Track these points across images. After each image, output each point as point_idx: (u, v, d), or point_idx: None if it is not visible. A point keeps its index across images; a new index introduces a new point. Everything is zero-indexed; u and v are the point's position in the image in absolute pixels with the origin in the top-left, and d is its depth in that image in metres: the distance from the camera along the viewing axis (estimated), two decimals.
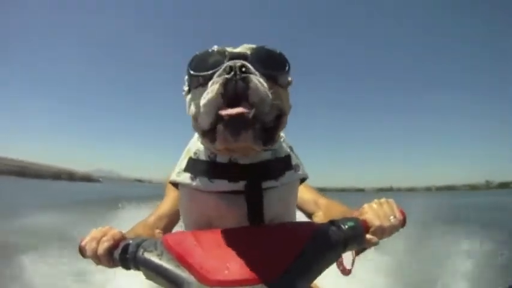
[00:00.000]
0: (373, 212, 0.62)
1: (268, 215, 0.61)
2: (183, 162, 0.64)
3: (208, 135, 0.50)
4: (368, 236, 0.60)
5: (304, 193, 0.89)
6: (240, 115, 0.45)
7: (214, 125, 0.48)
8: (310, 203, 0.89)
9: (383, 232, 0.60)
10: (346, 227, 0.59)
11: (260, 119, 0.48)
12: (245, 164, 0.57)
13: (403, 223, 0.62)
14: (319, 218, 0.85)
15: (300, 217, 0.81)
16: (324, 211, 0.85)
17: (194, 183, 0.60)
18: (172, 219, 0.87)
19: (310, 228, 0.59)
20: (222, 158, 0.58)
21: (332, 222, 0.61)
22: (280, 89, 0.54)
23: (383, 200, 0.64)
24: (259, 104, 0.47)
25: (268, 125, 0.50)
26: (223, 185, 0.58)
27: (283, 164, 0.62)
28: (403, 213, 0.63)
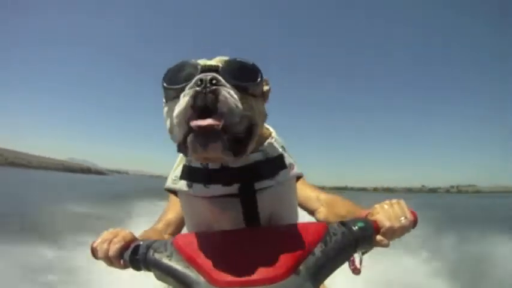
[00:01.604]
0: (384, 213, 0.61)
1: (264, 214, 0.62)
2: (177, 170, 0.66)
3: (182, 146, 0.52)
4: (378, 237, 0.59)
5: (305, 190, 0.89)
6: (209, 126, 0.47)
7: (186, 136, 0.50)
8: (312, 199, 0.88)
9: (393, 233, 0.60)
10: (357, 227, 0.59)
11: (230, 129, 0.49)
12: (236, 167, 0.58)
13: (414, 224, 0.61)
14: (322, 213, 0.83)
15: (303, 216, 0.80)
16: (326, 207, 0.84)
17: (191, 190, 0.62)
18: (178, 225, 0.89)
19: (320, 229, 0.59)
20: (213, 164, 0.59)
21: (342, 223, 0.60)
22: (253, 99, 0.55)
23: (394, 200, 0.64)
24: (229, 114, 0.49)
25: (239, 135, 0.51)
26: (218, 189, 0.59)
27: (276, 164, 0.62)
28: (414, 214, 0.62)
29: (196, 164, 0.61)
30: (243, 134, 0.52)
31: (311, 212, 0.89)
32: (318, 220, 0.84)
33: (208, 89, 0.49)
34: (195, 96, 0.49)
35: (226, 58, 0.56)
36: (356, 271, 0.58)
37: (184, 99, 0.50)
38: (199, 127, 0.47)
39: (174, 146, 0.55)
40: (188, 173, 0.62)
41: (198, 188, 0.61)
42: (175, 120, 0.50)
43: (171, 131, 0.55)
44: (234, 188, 0.59)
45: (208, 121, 0.47)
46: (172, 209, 0.90)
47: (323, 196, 0.88)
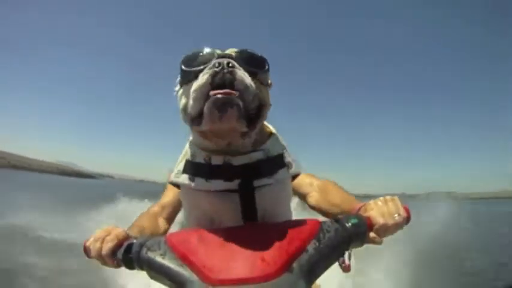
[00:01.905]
0: (378, 210, 0.62)
1: (261, 210, 0.65)
2: (180, 164, 0.69)
3: (196, 120, 0.55)
4: (371, 234, 0.60)
5: (301, 178, 0.90)
6: (227, 93, 0.51)
7: (201, 110, 0.53)
8: (305, 184, 0.91)
9: (387, 230, 0.60)
10: (350, 224, 0.59)
11: (245, 104, 0.53)
12: (238, 164, 0.61)
13: (407, 220, 0.62)
14: (314, 198, 0.86)
15: (297, 214, 0.80)
16: (319, 192, 0.86)
17: (193, 184, 0.65)
18: (174, 209, 0.94)
19: (313, 226, 0.59)
20: (216, 160, 0.62)
21: (336, 220, 0.61)
22: (261, 84, 0.60)
23: (388, 197, 0.64)
24: (244, 91, 0.53)
25: (251, 111, 0.55)
26: (219, 184, 0.62)
27: (276, 163, 0.65)
28: (407, 211, 0.62)
29: (200, 159, 0.64)
30: (254, 111, 0.56)
31: (303, 196, 0.91)
32: (309, 205, 0.87)
33: (226, 70, 0.53)
34: (213, 75, 0.53)
35: (237, 49, 0.61)
36: (346, 268, 0.58)
37: (203, 77, 0.54)
38: (218, 93, 0.51)
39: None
40: (191, 168, 0.66)
41: (200, 182, 0.63)
42: (192, 95, 0.54)
43: (184, 109, 0.58)
44: (234, 184, 0.62)
45: (226, 90, 0.51)
46: (168, 194, 0.96)
47: (316, 181, 0.90)
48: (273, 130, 0.72)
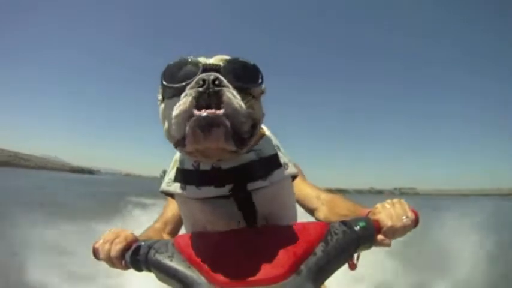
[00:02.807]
0: (386, 212, 0.61)
1: (261, 215, 0.61)
2: (171, 172, 0.65)
3: (180, 143, 0.50)
4: (380, 236, 0.59)
5: (304, 189, 0.88)
6: (211, 114, 0.46)
7: (184, 132, 0.48)
8: (312, 198, 0.87)
9: (395, 232, 0.59)
10: (358, 227, 0.58)
11: (234, 124, 0.48)
12: (227, 168, 0.57)
13: (415, 223, 0.61)
14: (323, 213, 0.82)
15: (302, 215, 0.78)
16: (327, 206, 0.82)
17: (184, 192, 0.61)
18: (178, 223, 0.89)
19: (321, 228, 0.58)
20: (205, 166, 0.58)
21: (344, 223, 0.60)
22: (253, 99, 0.54)
23: (396, 200, 0.63)
24: (234, 115, 0.48)
25: (243, 134, 0.50)
26: (209, 191, 0.58)
27: (269, 163, 0.61)
28: (415, 213, 0.61)
29: (189, 166, 0.60)
30: (248, 134, 0.52)
31: (311, 211, 0.88)
32: (318, 219, 0.83)
33: (211, 90, 0.47)
34: (197, 97, 0.47)
35: (227, 57, 0.55)
36: (352, 266, 0.58)
37: (186, 99, 0.48)
38: (203, 113, 0.46)
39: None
40: (181, 175, 0.62)
41: (191, 189, 0.60)
42: (174, 120, 0.49)
43: (168, 130, 0.53)
44: (226, 190, 0.57)
45: (211, 111, 0.46)
46: (170, 208, 0.91)
47: (323, 195, 0.86)
48: (266, 131, 0.67)
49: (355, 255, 0.59)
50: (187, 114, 0.47)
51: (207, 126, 0.46)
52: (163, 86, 0.54)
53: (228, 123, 0.47)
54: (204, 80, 0.48)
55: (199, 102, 0.47)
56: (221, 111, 0.46)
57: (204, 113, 0.46)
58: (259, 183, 0.59)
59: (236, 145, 0.49)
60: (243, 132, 0.50)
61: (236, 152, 0.52)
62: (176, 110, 0.48)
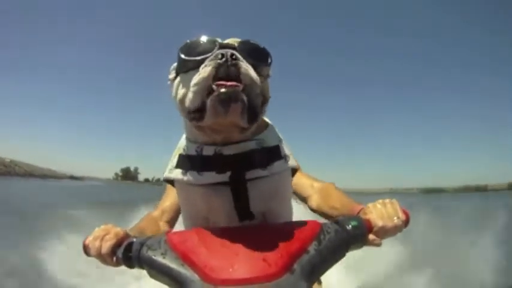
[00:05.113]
0: (377, 212, 0.62)
1: (257, 205, 0.62)
2: (174, 160, 0.66)
3: (195, 114, 0.52)
4: (371, 236, 0.60)
5: (299, 178, 0.89)
6: (232, 86, 0.49)
7: (202, 104, 0.50)
8: (305, 186, 0.88)
9: (386, 232, 0.60)
10: (350, 226, 0.59)
11: (251, 99, 0.51)
12: (230, 154, 0.58)
13: (406, 223, 0.62)
14: (315, 201, 0.83)
15: (297, 213, 0.80)
16: (320, 194, 0.84)
17: (185, 178, 0.62)
18: (175, 212, 0.89)
19: (314, 227, 0.59)
20: (207, 151, 0.59)
21: (336, 221, 0.61)
22: (263, 79, 0.57)
23: (387, 200, 0.65)
24: (251, 85, 0.51)
25: (255, 108, 0.53)
26: (211, 177, 0.59)
27: (271, 154, 0.62)
28: (406, 214, 0.63)
29: (192, 151, 0.61)
30: (258, 108, 0.54)
31: (304, 199, 0.89)
32: (310, 208, 0.85)
33: (230, 63, 0.50)
34: (217, 67, 0.50)
35: (239, 39, 0.58)
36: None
37: (206, 69, 0.50)
38: (224, 85, 0.48)
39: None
40: (183, 161, 0.63)
41: (192, 175, 0.61)
42: (193, 88, 0.51)
43: (182, 101, 0.55)
44: (226, 176, 0.58)
45: (232, 83, 0.49)
46: (168, 197, 0.91)
47: (317, 184, 0.88)
48: (270, 122, 0.69)
49: None
50: (207, 83, 0.50)
51: (227, 100, 0.48)
52: (181, 60, 0.56)
53: (245, 98, 0.50)
54: (222, 54, 0.51)
55: (219, 72, 0.50)
56: (240, 85, 0.49)
57: (223, 88, 0.48)
58: (258, 172, 0.60)
59: (248, 121, 0.52)
60: (257, 106, 0.53)
61: (245, 130, 0.55)
62: (195, 79, 0.51)
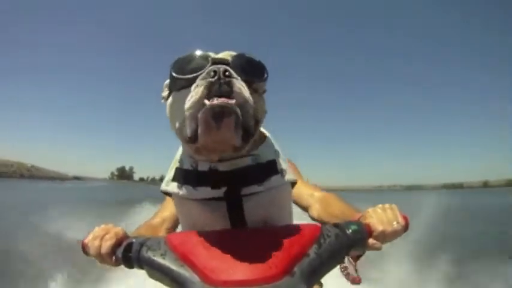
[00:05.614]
0: (377, 217, 0.62)
1: (253, 220, 0.61)
2: (171, 172, 0.65)
3: (192, 139, 0.50)
4: (371, 240, 0.60)
5: (299, 187, 0.88)
6: (224, 103, 0.46)
7: (196, 126, 0.48)
8: (306, 196, 0.88)
9: (385, 237, 0.61)
10: (350, 231, 0.59)
11: (244, 118, 0.48)
12: (225, 170, 0.57)
13: (405, 228, 0.63)
14: (316, 211, 0.83)
15: (297, 217, 0.79)
16: (321, 204, 0.83)
17: (181, 192, 0.61)
18: (176, 222, 0.89)
19: (314, 230, 0.59)
20: (202, 166, 0.58)
21: (336, 225, 0.61)
22: (257, 96, 0.55)
23: (387, 205, 0.65)
24: (244, 105, 0.48)
25: (250, 128, 0.51)
26: (206, 192, 0.58)
27: (266, 169, 0.60)
28: (405, 219, 0.63)
29: (187, 166, 0.60)
30: (251, 128, 0.51)
31: (304, 209, 0.89)
32: (311, 217, 0.84)
33: (222, 80, 0.48)
34: (209, 87, 0.48)
35: (234, 53, 0.56)
36: (356, 280, 0.58)
37: (198, 90, 0.48)
38: (215, 101, 0.46)
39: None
40: (179, 175, 0.62)
41: (188, 190, 0.60)
42: (187, 112, 0.48)
43: (176, 123, 0.53)
44: (221, 192, 0.58)
45: (223, 99, 0.46)
46: (168, 206, 0.90)
47: (317, 193, 0.87)
48: (267, 134, 0.67)
49: (352, 267, 0.59)
50: (199, 105, 0.47)
51: (220, 115, 0.46)
52: (173, 78, 0.54)
53: (238, 111, 0.47)
54: (215, 71, 0.49)
55: (211, 92, 0.47)
56: (233, 101, 0.47)
57: (216, 101, 0.46)
58: (254, 188, 0.59)
59: (242, 139, 0.49)
60: (250, 126, 0.50)
61: (238, 149, 0.51)
62: (188, 102, 0.48)
